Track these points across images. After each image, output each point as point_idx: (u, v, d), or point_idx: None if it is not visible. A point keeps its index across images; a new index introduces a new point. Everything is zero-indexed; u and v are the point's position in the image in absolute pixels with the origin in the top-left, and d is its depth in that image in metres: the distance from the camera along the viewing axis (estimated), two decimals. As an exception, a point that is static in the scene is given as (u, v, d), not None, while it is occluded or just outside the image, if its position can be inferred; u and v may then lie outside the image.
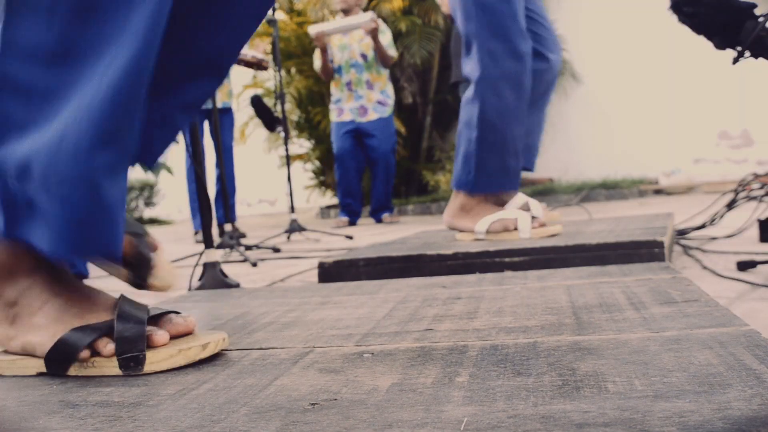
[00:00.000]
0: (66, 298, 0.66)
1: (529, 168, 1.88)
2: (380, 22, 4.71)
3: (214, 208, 3.74)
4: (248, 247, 2.84)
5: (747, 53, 1.36)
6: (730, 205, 2.06)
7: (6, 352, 0.67)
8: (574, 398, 0.43)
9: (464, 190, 1.68)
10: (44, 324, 0.64)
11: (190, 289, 1.62)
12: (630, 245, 1.29)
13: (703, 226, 2.08)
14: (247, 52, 3.50)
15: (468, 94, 1.67)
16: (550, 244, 1.34)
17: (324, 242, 3.37)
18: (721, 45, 1.39)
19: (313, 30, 4.48)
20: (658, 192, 6.03)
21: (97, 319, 0.63)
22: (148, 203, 9.49)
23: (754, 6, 1.35)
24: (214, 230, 2.81)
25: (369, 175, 5.05)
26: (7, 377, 0.64)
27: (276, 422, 0.44)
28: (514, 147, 1.67)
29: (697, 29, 1.39)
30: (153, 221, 8.76)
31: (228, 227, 3.06)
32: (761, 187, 2.11)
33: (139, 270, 0.69)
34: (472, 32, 1.61)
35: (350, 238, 3.38)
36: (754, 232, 1.99)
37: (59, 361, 0.61)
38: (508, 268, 1.34)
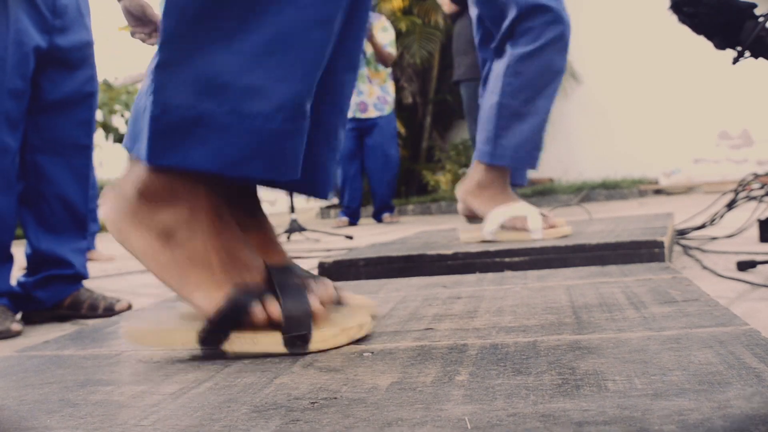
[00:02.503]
0: (227, 242, 0.62)
1: (532, 166, 1.85)
2: (384, 20, 4.71)
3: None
4: (248, 247, 2.84)
5: (747, 53, 1.37)
6: (730, 205, 2.06)
7: (146, 320, 0.66)
8: (573, 397, 0.43)
9: (484, 160, 1.63)
10: (202, 272, 0.61)
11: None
12: (630, 245, 1.29)
13: (703, 226, 2.08)
14: None
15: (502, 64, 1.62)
16: (550, 244, 1.35)
17: (324, 242, 3.38)
18: (721, 45, 1.40)
19: None
20: (658, 192, 6.03)
21: (252, 279, 0.61)
22: (148, 203, 9.49)
23: (754, 6, 1.35)
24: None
25: (369, 175, 5.05)
26: (10, 377, 0.64)
27: (276, 421, 0.44)
28: (540, 120, 1.62)
29: (697, 29, 1.39)
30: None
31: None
32: (761, 187, 2.11)
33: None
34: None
35: (350, 238, 3.38)
36: (754, 232, 1.99)
37: (223, 324, 0.59)
38: (508, 268, 1.34)
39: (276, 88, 0.59)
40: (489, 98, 1.62)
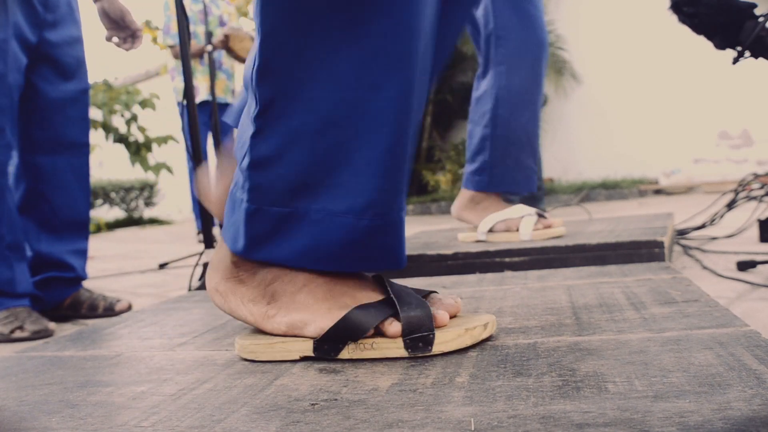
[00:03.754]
0: (327, 277, 0.63)
1: (531, 189, 1.85)
2: None
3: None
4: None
5: (747, 53, 1.37)
6: (730, 205, 2.06)
7: (264, 333, 0.64)
8: (574, 398, 0.43)
9: (479, 190, 1.65)
10: (311, 303, 0.61)
11: (190, 289, 1.62)
12: (630, 245, 1.29)
13: (703, 226, 2.08)
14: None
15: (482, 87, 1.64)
16: (550, 244, 1.34)
17: (324, 242, 3.37)
18: (721, 45, 1.40)
19: None
20: (658, 192, 6.03)
21: (368, 298, 0.61)
22: (148, 203, 9.49)
23: (754, 6, 1.35)
24: (216, 230, 2.80)
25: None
26: (10, 377, 0.64)
27: (276, 422, 0.44)
28: (530, 142, 1.64)
29: (697, 29, 1.39)
30: (153, 221, 8.76)
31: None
32: (761, 187, 2.11)
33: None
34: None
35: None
36: (754, 232, 1.99)
37: (336, 341, 0.58)
38: (508, 268, 1.34)
39: (364, 185, 0.59)
40: (478, 128, 1.64)
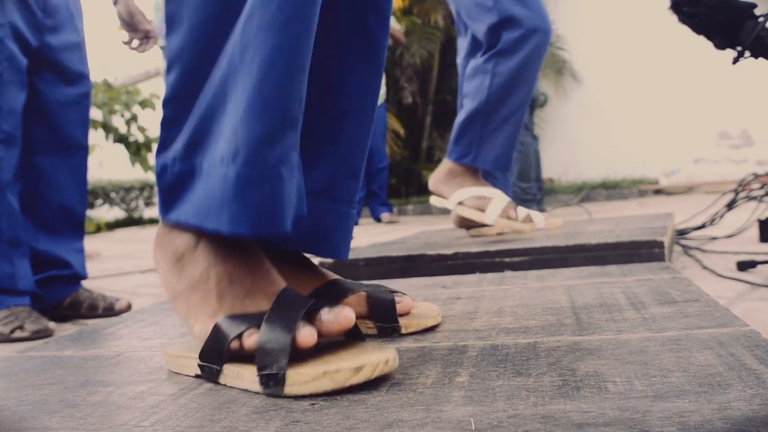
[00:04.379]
0: (231, 268, 0.58)
1: (507, 169, 1.85)
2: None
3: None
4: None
5: (747, 53, 1.37)
6: (730, 205, 2.06)
7: (178, 346, 0.63)
8: (574, 398, 0.43)
9: (466, 163, 1.67)
10: (200, 300, 0.58)
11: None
12: (630, 245, 1.29)
13: (703, 226, 2.08)
14: None
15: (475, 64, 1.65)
16: (550, 244, 1.35)
17: (324, 242, 3.36)
18: (721, 45, 1.40)
19: None
20: (658, 192, 6.03)
21: (255, 307, 0.56)
22: (148, 203, 9.49)
23: (754, 6, 1.35)
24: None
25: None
26: (10, 377, 0.64)
27: (276, 422, 0.44)
28: (519, 123, 1.65)
29: (697, 29, 1.39)
30: (153, 221, 8.76)
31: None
32: (761, 187, 2.11)
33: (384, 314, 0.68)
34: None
35: (350, 238, 3.37)
36: (754, 232, 1.99)
37: (211, 356, 0.55)
38: (508, 268, 1.34)
39: (234, 130, 0.55)
40: (471, 103, 1.65)
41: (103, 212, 8.97)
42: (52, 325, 1.38)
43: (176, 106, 0.60)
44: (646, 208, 3.98)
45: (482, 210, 1.59)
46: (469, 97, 1.65)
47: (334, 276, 0.71)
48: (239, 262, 0.59)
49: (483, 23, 1.62)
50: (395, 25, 4.66)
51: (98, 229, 7.21)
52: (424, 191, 6.87)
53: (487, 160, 1.64)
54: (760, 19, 1.32)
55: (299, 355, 0.51)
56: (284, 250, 0.70)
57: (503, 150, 1.65)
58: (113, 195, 9.13)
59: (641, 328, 0.61)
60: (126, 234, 6.62)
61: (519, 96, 1.62)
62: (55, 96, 1.55)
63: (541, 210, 3.05)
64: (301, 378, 0.49)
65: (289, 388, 0.49)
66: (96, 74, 8.26)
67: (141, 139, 5.74)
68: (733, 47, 1.38)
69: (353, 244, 3.07)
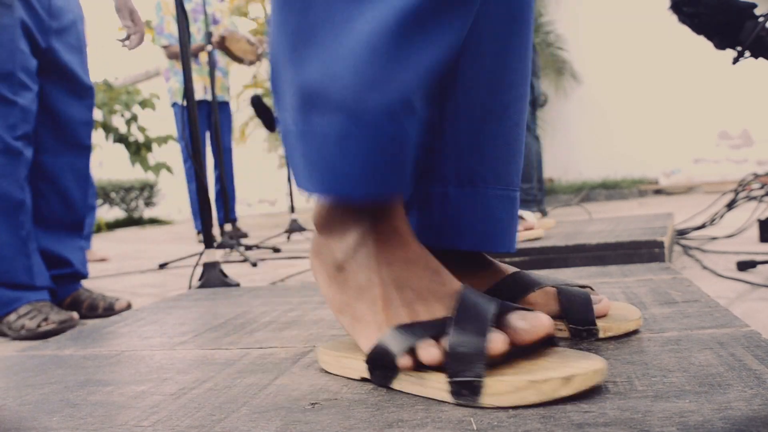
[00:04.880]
0: (398, 271, 0.53)
1: None
2: None
3: (214, 209, 3.73)
4: (248, 247, 2.84)
5: (747, 53, 1.37)
6: (730, 205, 2.06)
7: (336, 345, 0.58)
8: (574, 398, 0.43)
9: None
10: (366, 310, 0.53)
11: (189, 289, 1.62)
12: (630, 245, 1.29)
13: (703, 226, 2.08)
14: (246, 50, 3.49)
15: None
16: (550, 244, 1.34)
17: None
18: (721, 45, 1.39)
19: None
20: (658, 192, 6.03)
21: (428, 314, 0.50)
22: (148, 203, 9.49)
23: (754, 6, 1.35)
24: (215, 230, 2.80)
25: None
26: (10, 376, 0.64)
27: (276, 422, 0.44)
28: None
29: (697, 29, 1.39)
30: (153, 221, 8.76)
31: (228, 227, 3.05)
32: (761, 187, 2.11)
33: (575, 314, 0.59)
34: None
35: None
36: (754, 232, 1.99)
37: (380, 368, 0.50)
38: (508, 268, 1.33)
39: (341, 69, 0.48)
40: None
41: (103, 212, 8.98)
42: (75, 315, 1.40)
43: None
44: (646, 208, 3.98)
45: None
46: None
47: (512, 268, 0.64)
48: (405, 264, 0.53)
49: None
50: None
51: (98, 229, 7.22)
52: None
53: None
54: (760, 19, 1.32)
55: (490, 363, 0.45)
56: (448, 248, 0.63)
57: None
58: (113, 195, 9.13)
59: (641, 328, 0.61)
60: (126, 234, 6.62)
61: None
62: (59, 97, 1.56)
63: (542, 211, 3.06)
64: (502, 387, 0.44)
65: (488, 399, 0.44)
66: (96, 74, 8.26)
67: (141, 139, 5.74)
68: (733, 47, 1.38)
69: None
